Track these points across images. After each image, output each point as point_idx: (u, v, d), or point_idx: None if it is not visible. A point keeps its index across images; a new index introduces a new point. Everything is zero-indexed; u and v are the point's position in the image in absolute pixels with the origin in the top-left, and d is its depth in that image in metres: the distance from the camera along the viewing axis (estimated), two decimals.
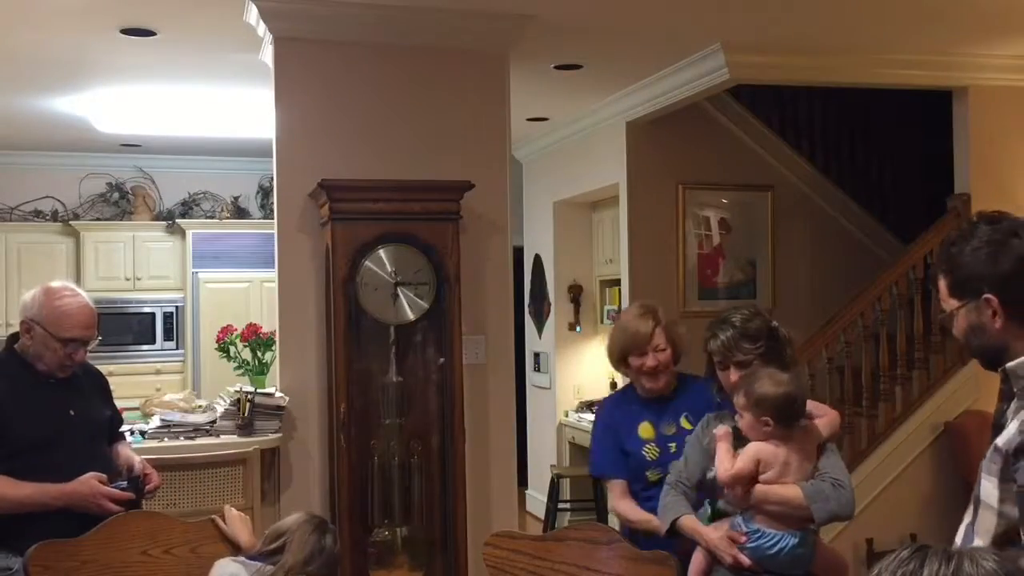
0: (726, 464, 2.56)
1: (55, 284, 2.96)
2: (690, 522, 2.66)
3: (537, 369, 7.68)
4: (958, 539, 1.91)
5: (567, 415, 7.26)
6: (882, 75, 5.45)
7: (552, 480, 6.56)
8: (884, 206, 6.93)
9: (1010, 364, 1.87)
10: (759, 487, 2.53)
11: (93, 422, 3.01)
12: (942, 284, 1.94)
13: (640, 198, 6.23)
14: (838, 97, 6.76)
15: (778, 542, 2.52)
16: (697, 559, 2.66)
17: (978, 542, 1.82)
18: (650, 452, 3.00)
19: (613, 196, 6.56)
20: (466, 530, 4.24)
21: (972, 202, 5.58)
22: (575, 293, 7.35)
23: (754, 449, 2.57)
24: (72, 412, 2.93)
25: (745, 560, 2.53)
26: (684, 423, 2.98)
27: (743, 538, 2.54)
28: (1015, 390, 1.87)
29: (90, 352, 3.00)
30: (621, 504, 3.03)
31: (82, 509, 2.81)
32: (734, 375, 2.71)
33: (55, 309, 2.87)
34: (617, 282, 6.65)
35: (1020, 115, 5.69)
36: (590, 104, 6.32)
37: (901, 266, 5.58)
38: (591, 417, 6.91)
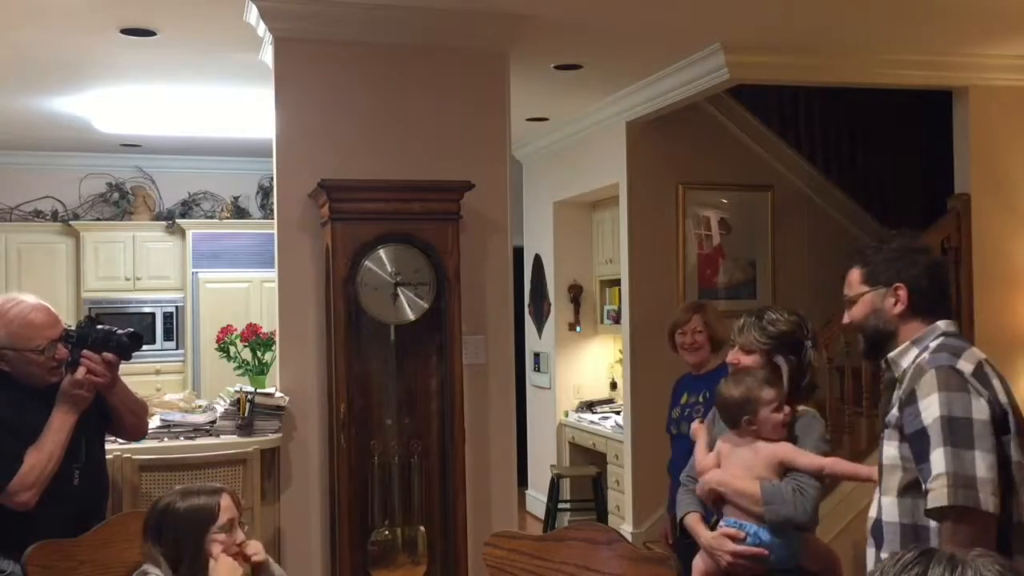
0: (698, 458, 2.75)
1: None
2: (692, 521, 2.73)
3: (537, 369, 7.68)
4: (872, 512, 2.24)
5: (567, 415, 7.26)
6: (882, 75, 5.45)
7: (552, 480, 6.57)
8: (884, 206, 6.93)
9: (892, 353, 2.29)
10: (719, 475, 2.62)
11: (89, 426, 2.98)
12: (855, 273, 2.36)
13: (640, 198, 6.23)
14: (838, 97, 6.76)
15: (757, 535, 2.52)
16: (697, 564, 2.66)
17: (886, 500, 2.19)
18: (675, 412, 3.87)
19: (613, 196, 6.55)
20: (466, 530, 4.24)
21: (972, 202, 5.58)
22: (575, 293, 7.35)
23: (718, 443, 2.70)
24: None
25: (741, 559, 2.53)
26: (702, 398, 3.71)
27: (742, 534, 2.54)
28: (896, 375, 2.26)
29: None
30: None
31: (82, 397, 2.84)
32: (743, 359, 2.82)
33: (11, 326, 2.80)
34: (617, 282, 6.65)
35: (1020, 115, 5.69)
36: (590, 104, 6.31)
37: None
38: (591, 417, 6.94)
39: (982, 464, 2.00)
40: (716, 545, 2.57)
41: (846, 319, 2.39)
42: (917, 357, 2.22)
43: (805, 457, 2.58)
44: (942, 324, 2.26)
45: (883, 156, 7.07)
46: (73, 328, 2.93)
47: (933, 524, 2.08)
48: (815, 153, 6.80)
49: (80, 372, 2.84)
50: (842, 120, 7.00)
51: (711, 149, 6.38)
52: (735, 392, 2.63)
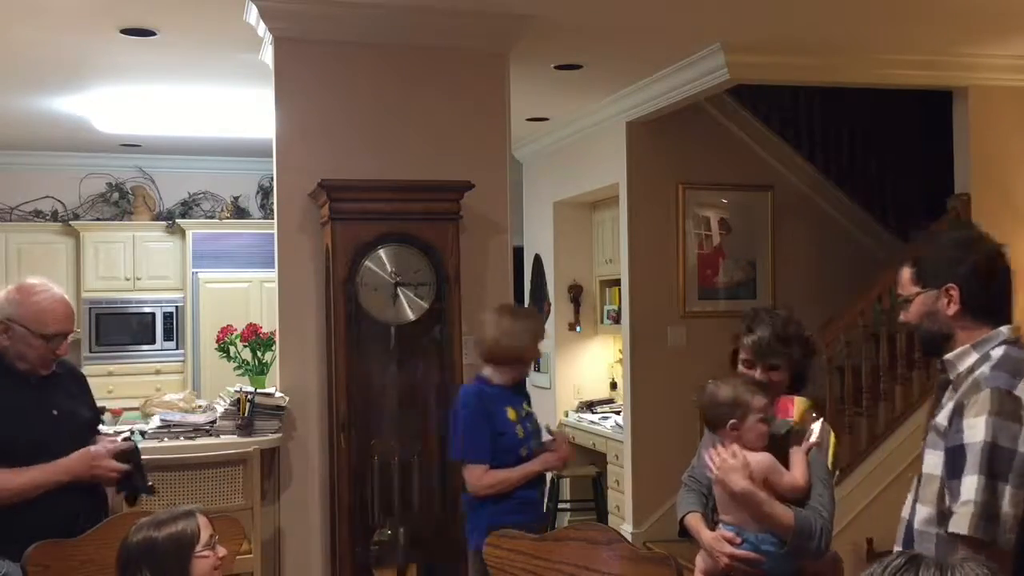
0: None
1: (29, 281, 2.94)
2: (693, 521, 2.70)
3: (537, 369, 7.67)
4: (904, 513, 2.21)
5: (567, 415, 7.26)
6: (882, 75, 5.45)
7: (552, 480, 6.56)
8: (884, 206, 6.93)
9: (948, 355, 2.18)
10: (758, 495, 2.48)
11: (76, 421, 2.98)
12: (906, 273, 2.27)
13: (640, 198, 6.23)
14: (838, 97, 6.76)
15: (762, 543, 2.50)
16: (698, 563, 2.66)
17: (922, 509, 2.13)
18: (520, 431, 3.45)
19: (613, 196, 6.56)
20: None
21: (972, 202, 5.58)
22: (575, 293, 7.35)
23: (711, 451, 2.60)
24: (55, 412, 2.91)
25: (740, 564, 2.52)
26: (526, 407, 3.57)
27: (738, 539, 2.53)
28: (951, 378, 2.16)
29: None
30: (488, 477, 3.36)
31: (89, 478, 2.88)
32: (760, 375, 2.70)
33: (33, 306, 2.85)
34: (617, 282, 6.65)
35: (1020, 115, 5.69)
36: (590, 104, 6.32)
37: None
38: (591, 417, 6.93)
39: (1010, 500, 1.95)
40: (715, 546, 2.57)
41: (903, 317, 2.28)
42: (976, 363, 2.12)
43: (787, 476, 2.52)
44: (1005, 330, 2.15)
45: (883, 156, 7.07)
46: (134, 441, 3.07)
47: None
48: (815, 153, 6.80)
49: (107, 462, 2.90)
50: (842, 120, 6.99)
51: (711, 149, 6.38)
52: (726, 393, 2.56)
